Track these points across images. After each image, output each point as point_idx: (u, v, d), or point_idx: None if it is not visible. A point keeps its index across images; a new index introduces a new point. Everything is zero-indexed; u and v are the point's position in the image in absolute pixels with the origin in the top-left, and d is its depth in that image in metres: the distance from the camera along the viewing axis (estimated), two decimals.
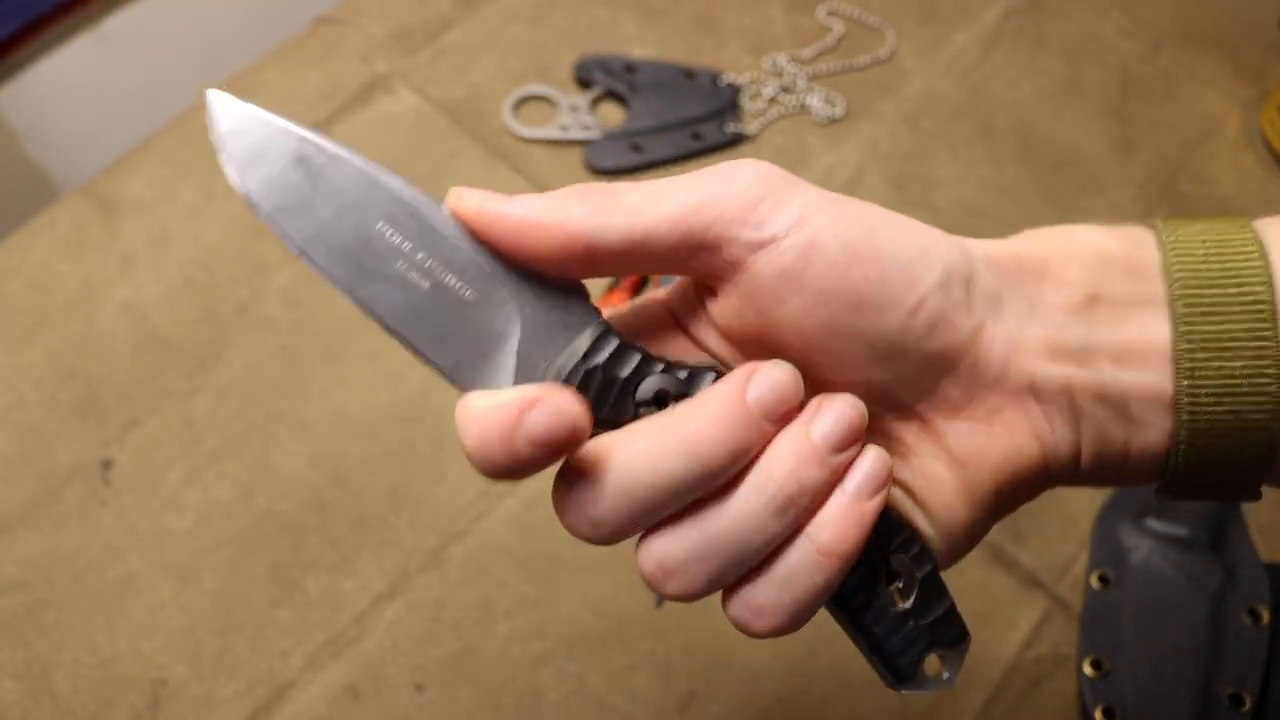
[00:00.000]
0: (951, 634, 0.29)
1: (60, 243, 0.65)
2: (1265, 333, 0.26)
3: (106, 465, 0.57)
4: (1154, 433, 0.28)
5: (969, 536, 0.29)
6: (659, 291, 0.31)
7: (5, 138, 0.83)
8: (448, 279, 0.28)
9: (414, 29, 0.75)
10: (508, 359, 0.28)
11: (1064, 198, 0.70)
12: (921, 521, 0.29)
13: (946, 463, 0.29)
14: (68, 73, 0.84)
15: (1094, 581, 0.54)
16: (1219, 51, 0.77)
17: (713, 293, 0.29)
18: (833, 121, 0.73)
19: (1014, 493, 0.29)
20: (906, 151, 0.71)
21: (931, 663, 0.29)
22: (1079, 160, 0.71)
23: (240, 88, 0.72)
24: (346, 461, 0.58)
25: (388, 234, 0.27)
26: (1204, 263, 0.27)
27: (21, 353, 0.61)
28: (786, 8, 0.78)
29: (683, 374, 0.28)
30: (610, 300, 0.62)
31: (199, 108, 0.71)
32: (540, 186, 0.68)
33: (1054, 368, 0.28)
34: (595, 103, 0.72)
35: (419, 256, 0.28)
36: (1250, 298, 0.27)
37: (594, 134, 0.70)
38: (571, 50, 0.74)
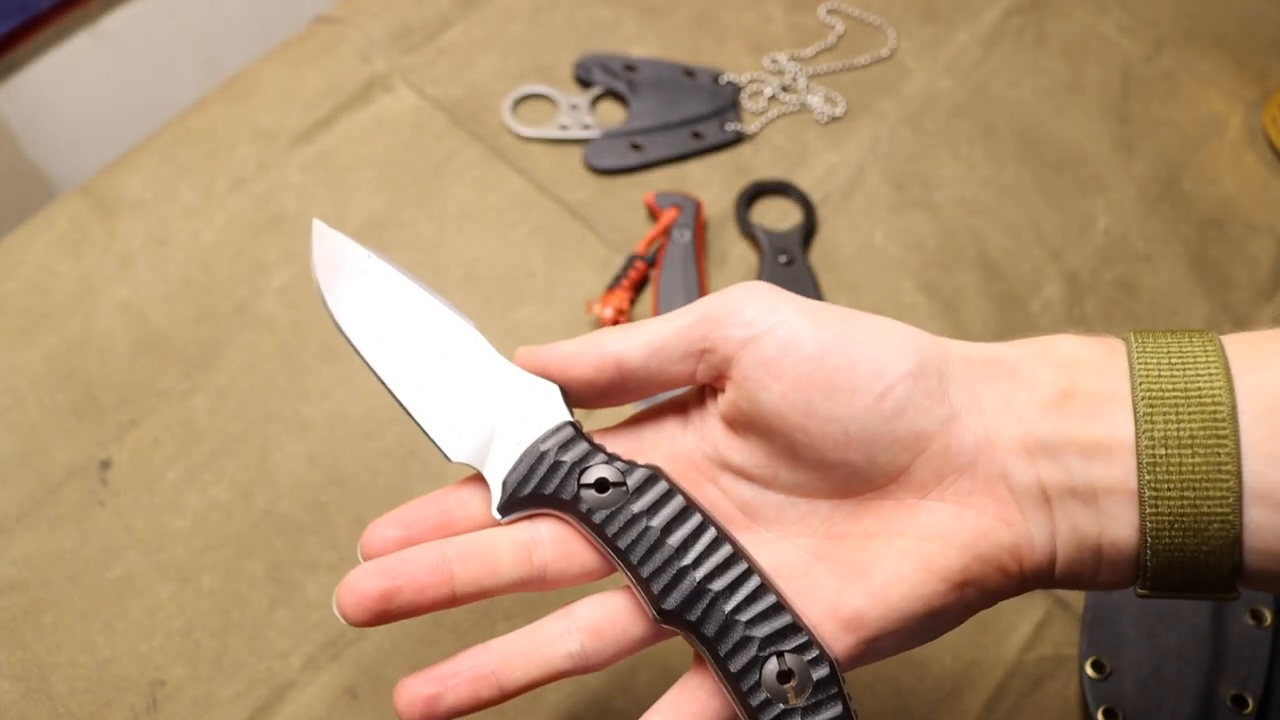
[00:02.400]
0: None
1: (58, 242, 0.65)
2: (1222, 430, 0.28)
3: (105, 465, 0.57)
4: (1123, 527, 0.30)
5: (928, 614, 0.31)
6: (674, 393, 0.37)
7: (3, 137, 0.83)
8: (458, 375, 0.35)
9: (413, 28, 0.75)
10: (487, 438, 0.35)
11: (1065, 197, 0.69)
12: (860, 596, 0.31)
13: (914, 539, 0.31)
14: (66, 71, 0.84)
15: None
16: (1221, 50, 0.77)
17: (715, 393, 0.35)
18: (833, 120, 0.72)
19: (983, 578, 0.31)
20: (907, 151, 0.71)
21: None
22: (1080, 159, 0.71)
23: (240, 87, 0.72)
24: (345, 461, 0.57)
25: (419, 332, 0.36)
26: (1168, 366, 0.30)
27: (19, 352, 0.60)
28: (787, 6, 0.78)
29: (622, 466, 0.33)
30: (610, 299, 0.61)
31: (198, 107, 0.71)
32: (540, 186, 0.68)
33: (1026, 463, 0.30)
34: (595, 102, 0.72)
35: (436, 352, 0.36)
36: (1208, 399, 0.29)
37: (594, 133, 0.70)
38: (571, 49, 0.74)
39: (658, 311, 0.62)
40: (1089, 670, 0.51)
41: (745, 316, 0.32)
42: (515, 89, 0.72)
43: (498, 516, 0.34)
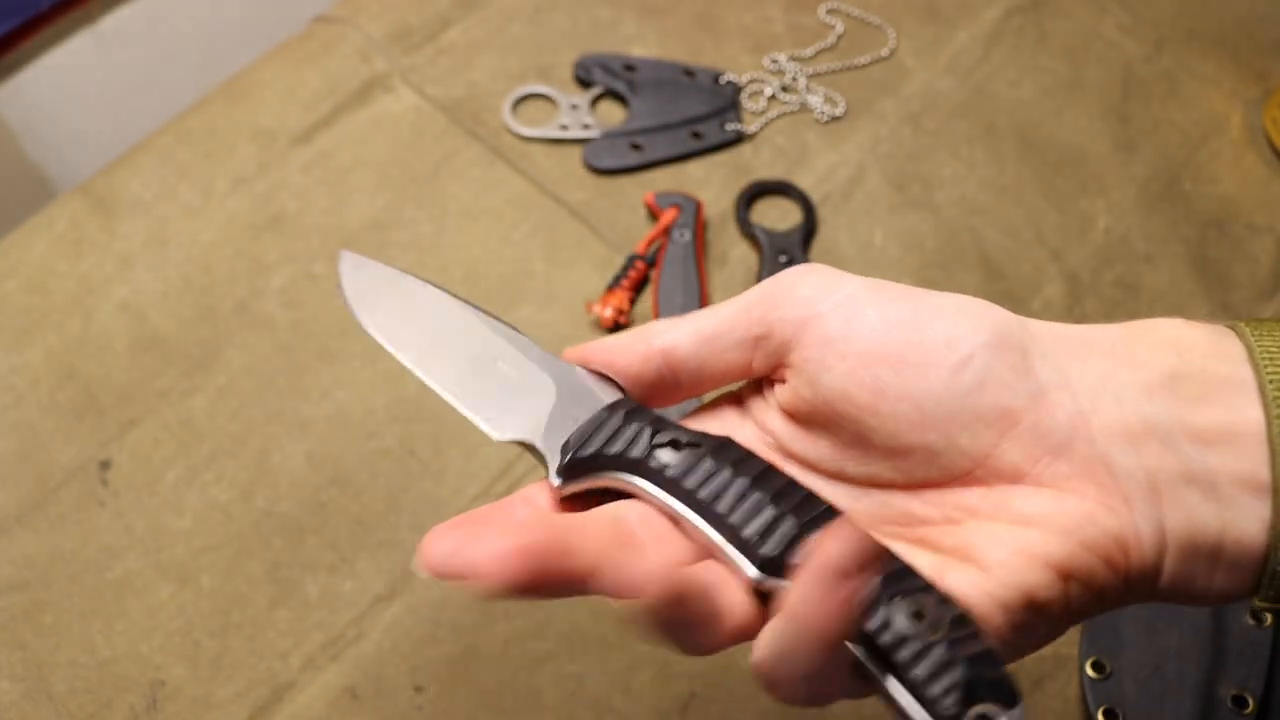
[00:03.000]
0: (998, 684, 0.25)
1: (58, 242, 0.65)
2: None
3: (104, 465, 0.57)
4: (1251, 522, 0.26)
5: (1030, 607, 0.26)
6: (730, 388, 0.34)
7: (2, 137, 0.83)
8: (499, 366, 0.34)
9: (413, 28, 0.75)
10: (541, 416, 0.32)
11: (1065, 197, 0.69)
12: (964, 582, 0.27)
13: (1007, 526, 0.27)
14: (66, 72, 0.84)
15: None
16: (1222, 50, 0.77)
17: (773, 383, 0.32)
18: (833, 120, 0.72)
19: (1088, 572, 0.27)
20: (907, 151, 0.71)
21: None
22: (1081, 159, 0.71)
23: (240, 87, 0.72)
24: (345, 462, 0.57)
25: (462, 340, 0.35)
26: None
27: (19, 353, 0.60)
28: (787, 6, 0.78)
29: (694, 433, 0.30)
30: (610, 299, 0.61)
31: (198, 107, 0.71)
32: (540, 186, 0.68)
33: (1130, 448, 0.27)
34: (595, 102, 0.72)
35: (478, 352, 0.34)
36: None
37: (594, 133, 0.70)
38: (571, 49, 0.74)
39: (658, 312, 0.62)
40: (1089, 670, 0.51)
41: (802, 294, 0.30)
42: (515, 89, 0.72)
43: (556, 482, 0.31)
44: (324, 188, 0.68)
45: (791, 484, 0.28)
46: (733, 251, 0.66)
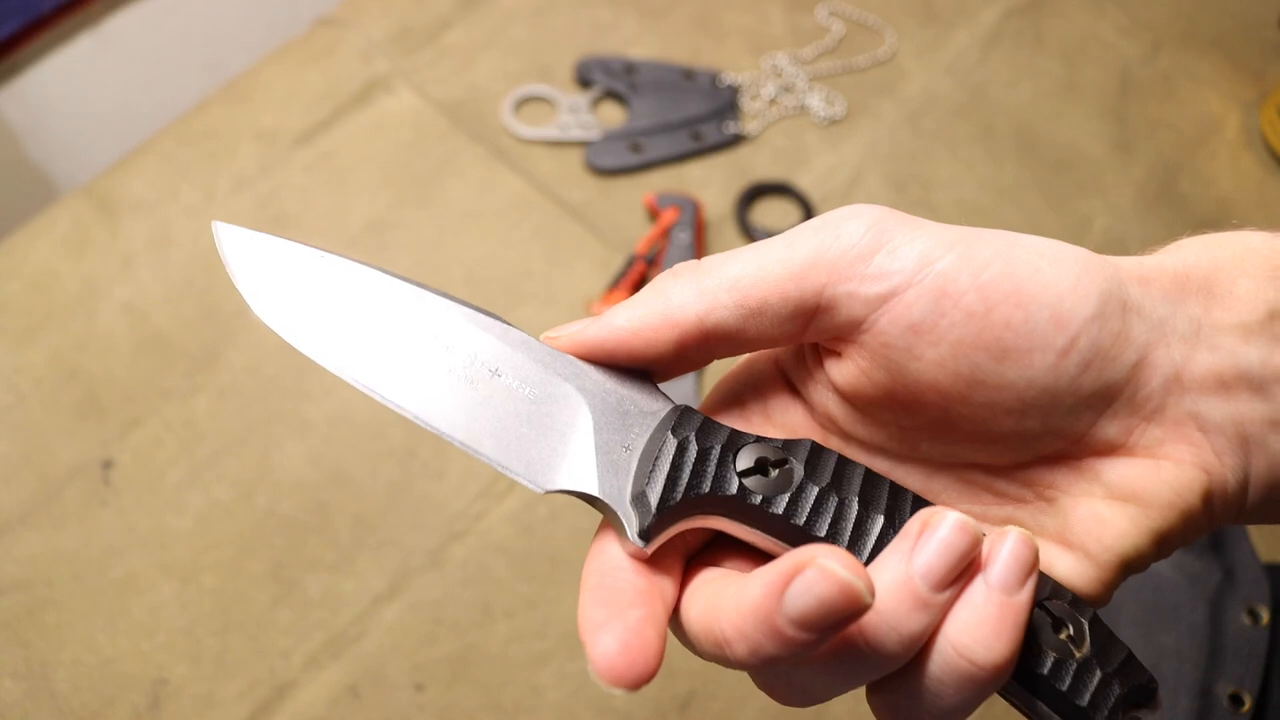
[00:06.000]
0: (1143, 686, 0.24)
1: (61, 243, 0.65)
2: None
3: (107, 465, 0.57)
4: None
5: (1126, 572, 0.26)
6: (765, 352, 0.29)
7: (6, 138, 0.84)
8: (500, 380, 0.26)
9: (414, 29, 0.75)
10: (584, 450, 0.26)
11: (1063, 198, 0.70)
12: (1066, 566, 0.26)
13: (1106, 502, 0.26)
14: (69, 73, 0.84)
15: None
16: (1218, 52, 0.77)
17: (833, 354, 0.27)
18: (833, 122, 0.73)
19: (1183, 533, 0.26)
20: (906, 151, 0.71)
21: None
22: (1078, 160, 0.72)
23: (241, 89, 0.72)
24: (346, 462, 0.58)
25: (427, 342, 0.26)
26: None
27: (22, 353, 0.61)
28: (786, 8, 0.78)
29: (777, 444, 0.26)
30: (611, 299, 0.62)
31: (200, 108, 0.71)
32: (540, 186, 0.68)
33: (1222, 400, 0.25)
34: (595, 103, 0.72)
35: (462, 361, 0.26)
36: None
37: (594, 134, 0.70)
38: (571, 50, 0.74)
39: None
40: None
41: (876, 265, 0.24)
42: (516, 90, 0.72)
43: (640, 545, 0.25)
44: (325, 188, 0.68)
45: (897, 492, 0.26)
46: None
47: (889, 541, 0.24)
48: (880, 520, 0.25)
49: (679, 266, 0.26)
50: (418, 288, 0.27)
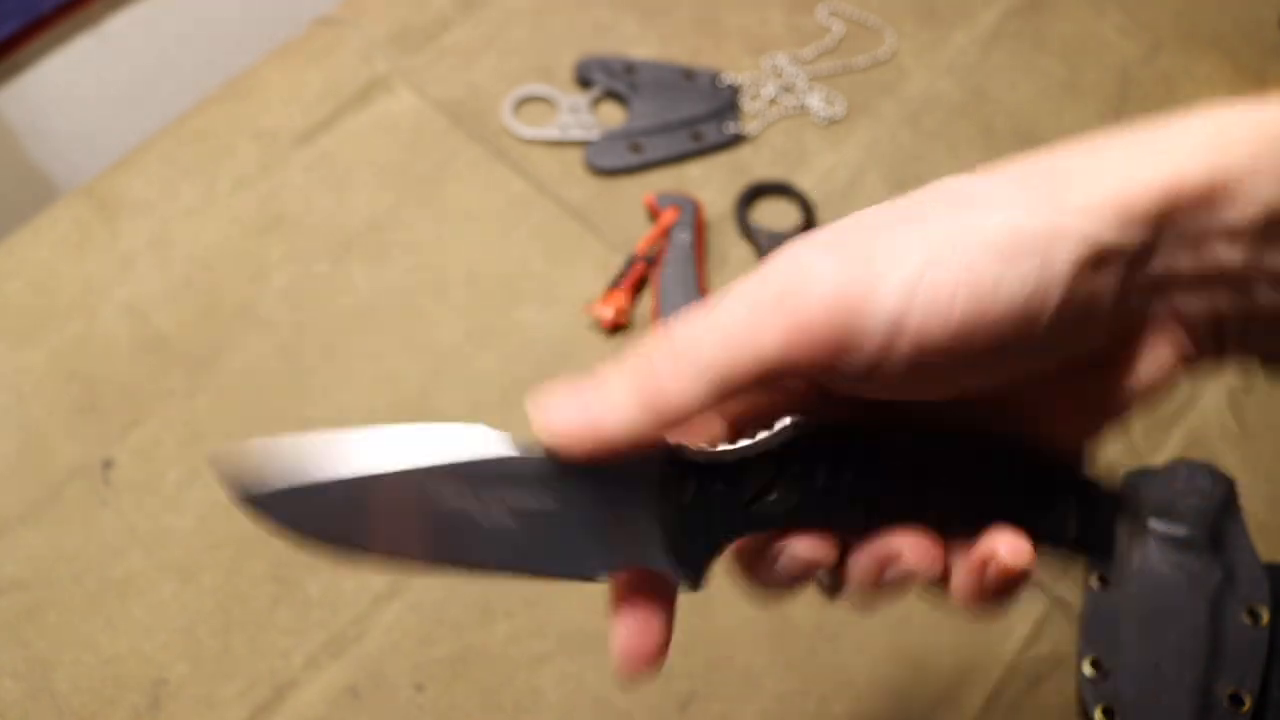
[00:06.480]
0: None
1: (61, 243, 0.65)
2: None
3: (107, 465, 0.57)
4: None
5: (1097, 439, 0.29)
6: None
7: (6, 138, 0.84)
8: (523, 505, 0.26)
9: (414, 29, 0.75)
10: (622, 534, 0.27)
11: None
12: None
13: (1077, 406, 0.28)
14: (69, 73, 0.84)
15: (1093, 582, 0.54)
16: (1219, 52, 0.77)
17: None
18: (833, 122, 0.73)
19: (1157, 401, 0.28)
20: (906, 152, 0.71)
21: None
22: None
23: (241, 89, 0.72)
24: None
25: (448, 501, 0.26)
26: None
27: (22, 353, 0.61)
28: (786, 8, 0.78)
29: (764, 448, 0.26)
30: (611, 299, 0.62)
31: (200, 108, 0.71)
32: (540, 187, 0.68)
33: (1200, 298, 0.26)
34: (595, 103, 0.72)
35: (482, 504, 0.26)
36: None
37: (594, 134, 0.70)
38: (571, 50, 0.74)
39: (658, 313, 0.62)
40: (1087, 669, 0.52)
41: (847, 347, 0.24)
42: (516, 90, 0.72)
43: (693, 590, 0.28)
44: (325, 188, 0.68)
45: (897, 443, 0.28)
46: (733, 252, 0.67)
47: (914, 493, 0.27)
48: (880, 479, 0.27)
49: (655, 351, 0.25)
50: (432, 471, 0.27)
